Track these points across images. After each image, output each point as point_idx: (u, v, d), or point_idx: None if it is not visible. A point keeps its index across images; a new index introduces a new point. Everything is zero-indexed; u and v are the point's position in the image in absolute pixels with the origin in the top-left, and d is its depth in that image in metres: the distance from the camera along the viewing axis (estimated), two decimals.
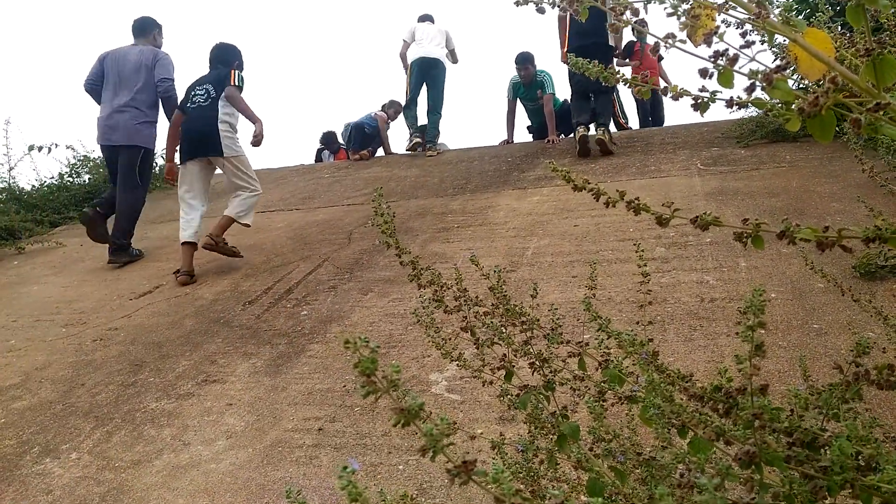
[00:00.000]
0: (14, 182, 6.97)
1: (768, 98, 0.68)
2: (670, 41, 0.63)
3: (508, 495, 0.44)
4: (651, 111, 8.35)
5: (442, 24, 7.42)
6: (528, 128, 8.01)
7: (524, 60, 6.98)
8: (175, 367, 2.97)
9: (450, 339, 1.31)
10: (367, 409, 2.34)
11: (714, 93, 0.68)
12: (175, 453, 2.28)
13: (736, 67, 0.60)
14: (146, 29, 5.22)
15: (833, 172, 4.09)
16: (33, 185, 7.26)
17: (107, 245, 5.00)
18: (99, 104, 5.14)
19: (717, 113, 7.84)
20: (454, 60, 7.48)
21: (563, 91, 7.30)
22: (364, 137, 8.33)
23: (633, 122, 8.30)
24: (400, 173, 6.59)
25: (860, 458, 0.57)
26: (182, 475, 2.14)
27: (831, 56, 0.62)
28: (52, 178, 7.42)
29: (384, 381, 0.46)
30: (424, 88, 7.25)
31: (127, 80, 5.04)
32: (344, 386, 2.54)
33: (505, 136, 7.62)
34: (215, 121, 4.33)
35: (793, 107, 0.56)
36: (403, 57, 7.27)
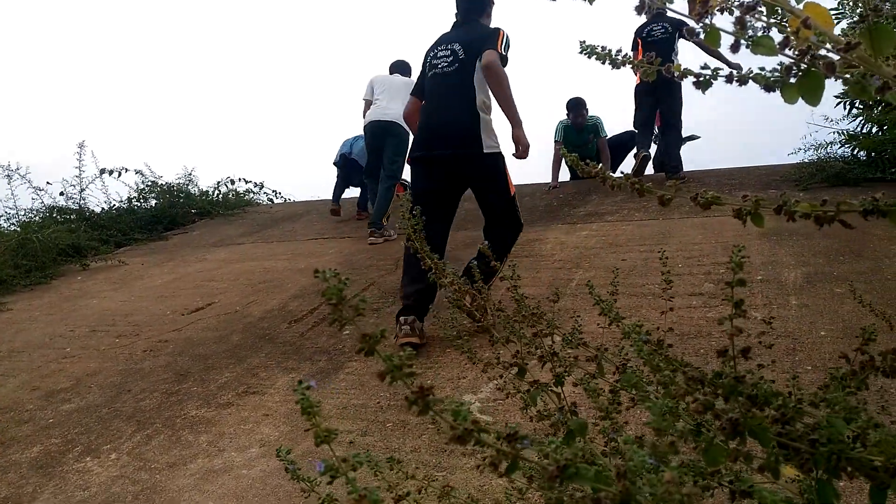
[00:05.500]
0: (84, 203, 7.30)
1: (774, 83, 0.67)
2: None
3: (462, 424, 0.44)
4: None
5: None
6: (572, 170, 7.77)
7: (579, 106, 6.78)
8: (218, 378, 3.04)
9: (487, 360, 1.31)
10: (398, 424, 2.34)
11: (716, 69, 0.68)
12: (209, 458, 2.31)
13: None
14: None
15: None
16: (102, 208, 7.60)
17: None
18: None
19: (777, 157, 7.64)
20: None
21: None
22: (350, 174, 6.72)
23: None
24: None
25: (849, 434, 0.55)
26: (214, 479, 2.17)
27: (830, 29, 0.62)
28: (121, 201, 7.77)
29: (350, 310, 0.47)
30: None
31: None
32: (378, 402, 2.54)
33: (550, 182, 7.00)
34: None
35: (777, 64, 0.56)
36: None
